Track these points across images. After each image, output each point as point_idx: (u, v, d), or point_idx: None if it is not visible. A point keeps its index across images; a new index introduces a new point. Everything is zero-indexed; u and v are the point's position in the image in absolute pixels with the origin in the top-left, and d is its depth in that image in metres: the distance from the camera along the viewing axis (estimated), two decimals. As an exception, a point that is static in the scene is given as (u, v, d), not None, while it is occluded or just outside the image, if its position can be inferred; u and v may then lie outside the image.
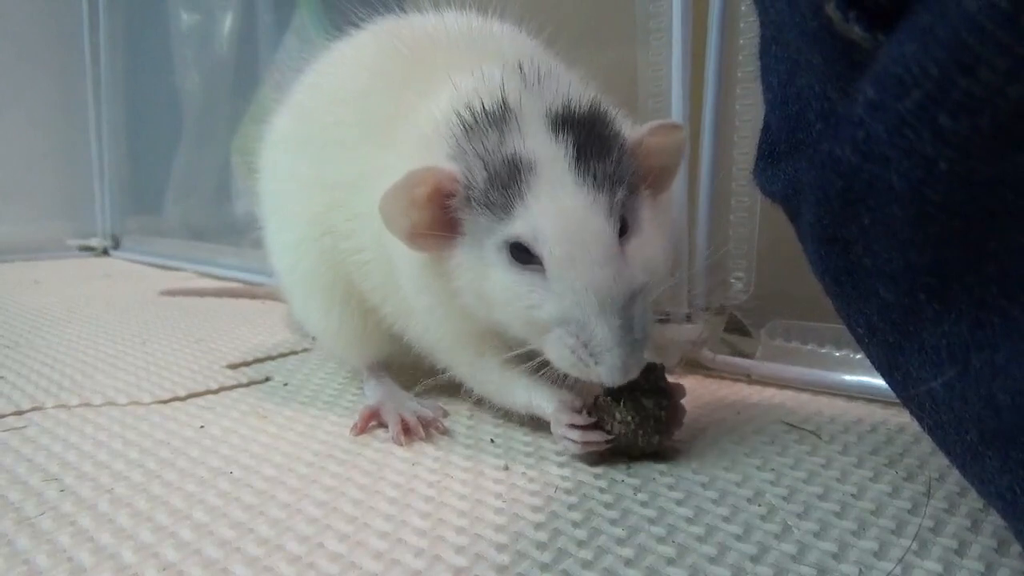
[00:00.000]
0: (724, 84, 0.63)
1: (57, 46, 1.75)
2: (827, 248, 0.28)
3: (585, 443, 0.45)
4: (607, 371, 0.41)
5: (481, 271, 0.44)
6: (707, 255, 0.65)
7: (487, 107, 0.44)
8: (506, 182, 0.42)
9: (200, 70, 1.48)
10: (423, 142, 0.47)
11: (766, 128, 0.33)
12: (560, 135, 0.43)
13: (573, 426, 0.46)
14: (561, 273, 0.41)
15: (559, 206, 0.41)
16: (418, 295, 0.49)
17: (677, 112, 0.64)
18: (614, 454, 0.47)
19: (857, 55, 0.24)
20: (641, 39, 0.67)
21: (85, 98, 1.76)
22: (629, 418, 0.45)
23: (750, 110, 0.62)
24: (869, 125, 0.23)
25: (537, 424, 0.53)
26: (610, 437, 0.45)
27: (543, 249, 0.41)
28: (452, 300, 0.46)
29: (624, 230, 0.43)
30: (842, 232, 0.27)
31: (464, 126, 0.44)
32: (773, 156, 0.32)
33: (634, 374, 0.42)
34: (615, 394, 0.45)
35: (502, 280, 0.43)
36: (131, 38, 1.70)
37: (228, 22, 1.41)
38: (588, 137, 0.43)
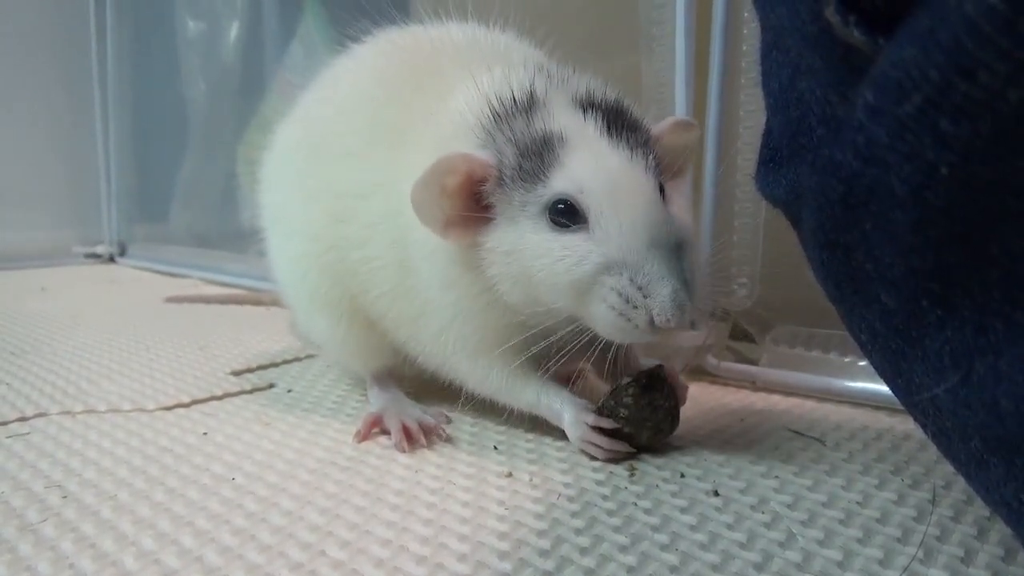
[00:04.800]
0: (727, 91, 0.63)
1: (64, 54, 1.76)
2: (829, 253, 0.28)
3: (609, 451, 0.47)
4: (661, 305, 0.39)
5: (519, 246, 0.43)
6: (711, 261, 0.65)
7: (516, 96, 0.45)
8: (539, 154, 0.43)
9: (206, 78, 1.48)
10: (448, 138, 0.47)
11: (768, 133, 0.33)
12: (588, 114, 0.44)
13: (599, 430, 0.47)
14: (607, 216, 0.41)
15: (599, 160, 0.42)
16: (444, 292, 0.48)
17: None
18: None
19: (857, 60, 0.23)
20: (645, 46, 0.68)
21: (92, 106, 1.77)
22: (640, 413, 0.47)
23: (753, 116, 0.62)
24: (870, 129, 0.23)
25: (540, 431, 0.53)
26: (632, 450, 0.47)
27: (587, 199, 0.41)
28: (481, 294, 0.47)
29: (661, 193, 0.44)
30: (843, 237, 0.27)
31: (492, 116, 0.45)
32: (775, 161, 0.32)
33: (688, 316, 0.41)
34: (624, 388, 0.47)
35: (543, 244, 0.42)
36: (138, 46, 1.71)
37: (234, 30, 1.42)
38: (616, 116, 0.45)
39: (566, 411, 0.49)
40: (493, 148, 0.44)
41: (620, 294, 0.40)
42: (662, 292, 0.40)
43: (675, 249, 0.41)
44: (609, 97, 0.46)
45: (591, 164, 0.42)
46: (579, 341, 0.45)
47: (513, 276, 0.44)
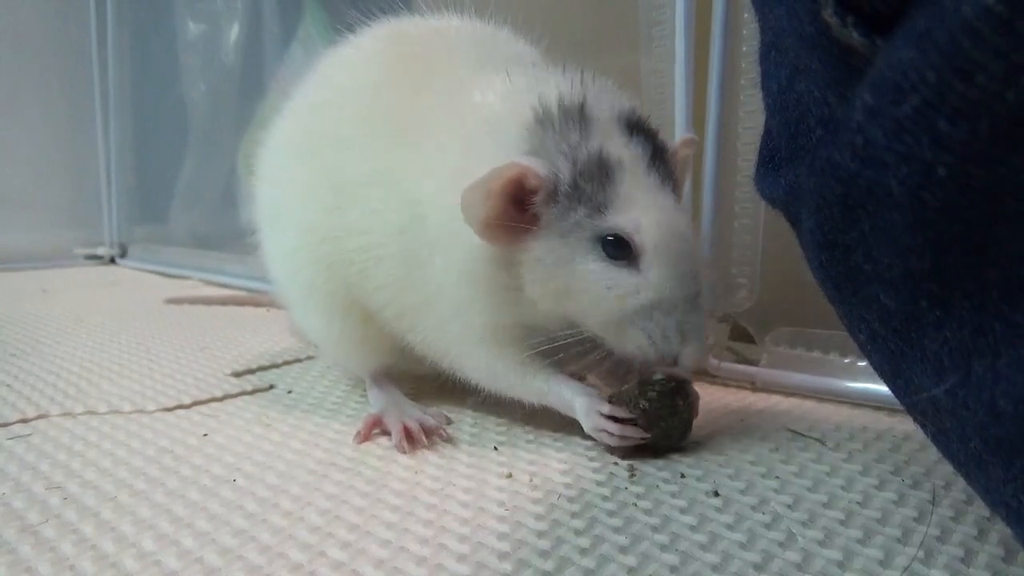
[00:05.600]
0: (727, 91, 0.63)
1: (65, 56, 1.76)
2: (827, 254, 0.28)
3: (622, 437, 0.47)
4: (693, 351, 0.44)
5: (565, 263, 0.45)
6: (711, 262, 0.65)
7: (566, 105, 0.45)
8: (597, 179, 0.44)
9: (207, 80, 1.49)
10: (481, 135, 0.47)
11: (767, 134, 0.33)
12: (634, 137, 0.46)
13: (612, 418, 0.47)
14: (661, 261, 0.44)
15: (656, 203, 0.44)
16: (462, 285, 0.48)
17: (680, 119, 0.64)
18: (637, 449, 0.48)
19: (855, 61, 0.24)
20: (644, 47, 0.68)
21: (92, 107, 1.77)
22: (658, 412, 0.47)
23: (753, 117, 0.62)
24: (868, 131, 0.23)
25: (540, 431, 0.53)
26: (647, 436, 0.47)
27: (644, 240, 0.43)
28: (503, 291, 0.47)
29: None
30: (842, 238, 0.27)
31: (542, 122, 0.45)
32: (774, 162, 0.32)
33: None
34: (652, 384, 0.47)
35: (595, 272, 0.44)
36: (138, 48, 1.71)
37: (234, 32, 1.42)
38: (654, 141, 0.47)
39: (578, 399, 0.49)
40: (546, 157, 0.44)
41: (665, 334, 0.44)
42: (697, 340, 0.44)
43: (697, 298, 0.45)
44: (642, 115, 0.48)
45: (649, 204, 0.44)
46: (584, 347, 0.47)
47: (552, 289, 0.46)
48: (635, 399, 0.47)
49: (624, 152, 0.45)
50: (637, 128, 0.46)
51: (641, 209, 0.44)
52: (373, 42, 0.58)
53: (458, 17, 0.57)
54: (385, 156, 0.51)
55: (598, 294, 0.44)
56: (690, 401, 0.49)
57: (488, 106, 0.48)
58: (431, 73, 0.52)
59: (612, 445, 0.48)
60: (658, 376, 0.47)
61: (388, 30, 0.58)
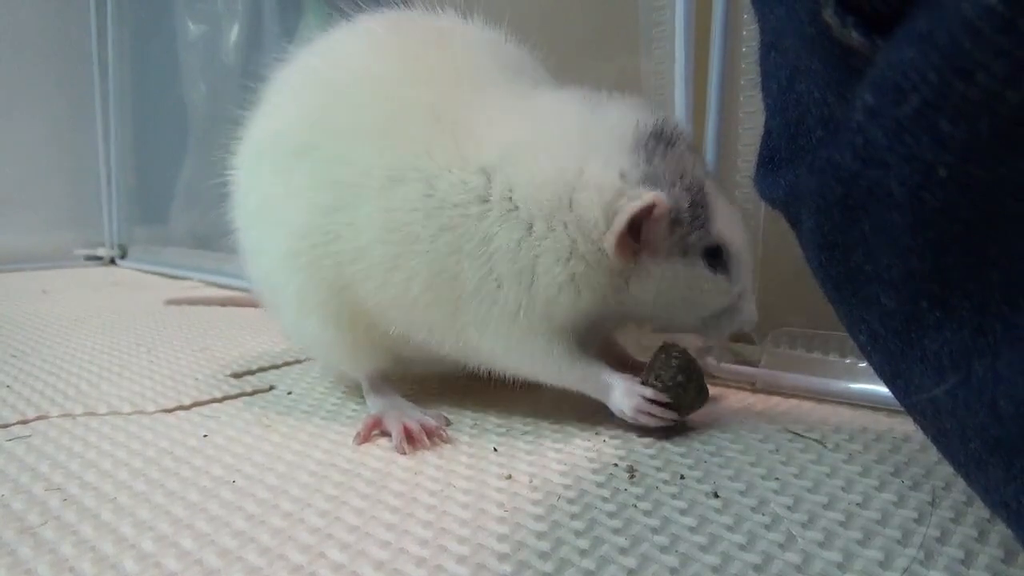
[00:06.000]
0: (727, 91, 0.63)
1: (65, 56, 1.76)
2: (828, 255, 0.28)
3: (660, 418, 0.51)
4: (752, 319, 0.53)
5: (682, 277, 0.50)
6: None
7: (658, 130, 0.49)
8: (699, 201, 0.49)
9: (207, 80, 1.48)
10: (584, 153, 0.49)
11: (767, 134, 0.33)
12: (698, 157, 0.52)
13: (650, 400, 0.51)
14: (742, 268, 0.51)
15: (732, 216, 0.51)
16: (551, 288, 0.49)
17: (680, 120, 0.64)
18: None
19: (855, 61, 0.23)
20: (644, 47, 0.68)
21: (93, 108, 1.77)
22: (680, 377, 0.52)
23: (753, 117, 0.62)
24: (868, 131, 0.23)
25: (540, 432, 0.53)
26: (680, 417, 0.52)
27: (733, 250, 0.50)
28: (592, 292, 0.50)
29: None
30: (842, 239, 0.27)
31: (645, 147, 0.48)
32: (774, 162, 0.32)
33: None
34: (666, 361, 0.53)
35: (708, 282, 0.50)
36: (138, 48, 1.71)
37: (235, 32, 1.42)
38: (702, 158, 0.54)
39: (616, 385, 0.52)
40: (663, 186, 0.47)
41: (741, 319, 0.53)
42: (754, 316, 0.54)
43: None
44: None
45: (732, 219, 0.51)
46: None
47: (666, 300, 0.51)
48: (670, 376, 0.51)
49: (700, 170, 0.50)
50: (692, 149, 0.51)
51: (729, 223, 0.50)
52: (375, 33, 0.56)
53: (448, 14, 0.57)
54: (421, 153, 0.50)
55: (703, 299, 0.51)
56: (698, 363, 0.54)
57: (581, 127, 0.50)
58: (456, 69, 0.52)
59: (652, 426, 0.52)
60: (660, 356, 0.53)
61: (384, 22, 0.57)
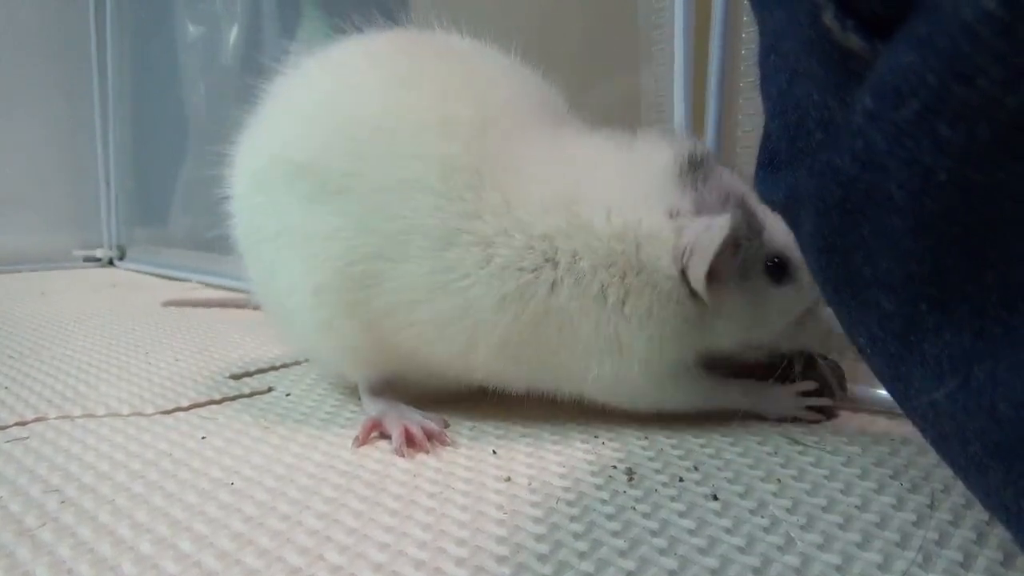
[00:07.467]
0: (726, 94, 0.63)
1: (65, 57, 1.76)
2: (827, 258, 0.28)
3: (825, 407, 0.54)
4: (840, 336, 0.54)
5: (757, 298, 0.50)
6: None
7: (697, 157, 0.50)
8: (750, 220, 0.49)
9: (206, 81, 1.48)
10: (636, 204, 0.49)
11: (767, 136, 0.33)
12: (726, 169, 0.52)
13: (807, 394, 0.54)
14: (805, 273, 0.49)
15: (779, 223, 0.48)
16: (642, 329, 0.49)
17: (679, 123, 0.64)
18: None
19: (855, 65, 0.23)
20: (644, 50, 0.68)
21: (92, 109, 1.77)
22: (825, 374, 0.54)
23: (752, 120, 0.62)
24: (868, 135, 0.23)
25: (539, 435, 0.53)
26: (831, 402, 0.55)
27: (792, 254, 0.49)
28: (679, 342, 0.50)
29: None
30: (841, 242, 0.27)
31: (691, 175, 0.49)
32: (773, 165, 0.32)
33: None
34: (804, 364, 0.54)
35: (781, 296, 0.50)
36: (138, 50, 1.71)
37: (234, 34, 1.42)
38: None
39: (764, 391, 0.54)
40: (731, 214, 0.47)
41: (830, 324, 0.51)
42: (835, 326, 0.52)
43: None
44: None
45: (777, 225, 0.49)
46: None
47: (744, 320, 0.50)
48: (803, 366, 0.54)
49: (736, 183, 0.50)
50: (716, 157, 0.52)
51: (779, 229, 0.49)
52: (391, 63, 0.53)
53: (456, 34, 0.56)
54: (468, 213, 0.48)
55: (785, 312, 0.51)
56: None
57: (623, 175, 0.50)
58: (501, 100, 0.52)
59: (818, 418, 0.54)
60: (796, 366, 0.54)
61: (394, 45, 0.55)
